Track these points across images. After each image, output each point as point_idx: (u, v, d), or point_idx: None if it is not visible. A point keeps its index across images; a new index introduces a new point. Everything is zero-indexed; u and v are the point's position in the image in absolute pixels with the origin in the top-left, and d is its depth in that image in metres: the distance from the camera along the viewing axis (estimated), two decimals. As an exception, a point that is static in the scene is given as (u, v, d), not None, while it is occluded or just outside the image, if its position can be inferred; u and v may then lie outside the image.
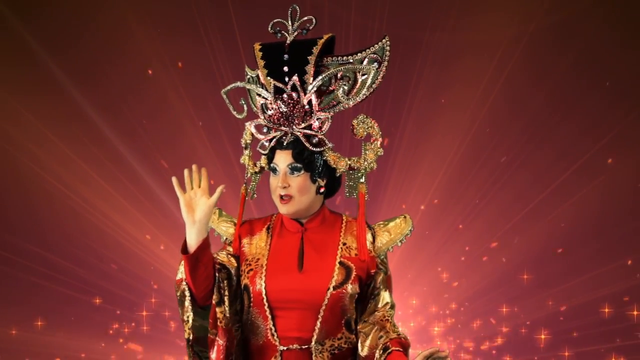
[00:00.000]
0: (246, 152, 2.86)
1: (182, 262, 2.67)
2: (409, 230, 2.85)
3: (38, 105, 5.38)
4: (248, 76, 2.83)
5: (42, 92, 5.39)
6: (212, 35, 5.40)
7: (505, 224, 5.57)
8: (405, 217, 2.88)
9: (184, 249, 2.64)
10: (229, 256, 2.80)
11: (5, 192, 5.44)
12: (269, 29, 2.79)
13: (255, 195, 2.89)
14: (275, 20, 2.79)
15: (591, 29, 5.38)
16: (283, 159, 2.74)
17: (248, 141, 2.84)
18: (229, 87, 2.83)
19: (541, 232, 5.56)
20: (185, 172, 2.66)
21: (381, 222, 2.89)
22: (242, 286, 2.75)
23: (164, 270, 5.56)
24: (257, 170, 2.85)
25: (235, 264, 2.79)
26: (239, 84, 2.80)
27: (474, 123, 5.53)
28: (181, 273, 2.69)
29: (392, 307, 2.85)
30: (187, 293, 2.68)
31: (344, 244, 2.80)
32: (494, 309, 5.64)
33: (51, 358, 5.51)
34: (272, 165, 2.77)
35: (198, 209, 2.63)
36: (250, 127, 2.80)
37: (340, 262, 2.76)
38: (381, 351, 2.70)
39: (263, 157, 2.82)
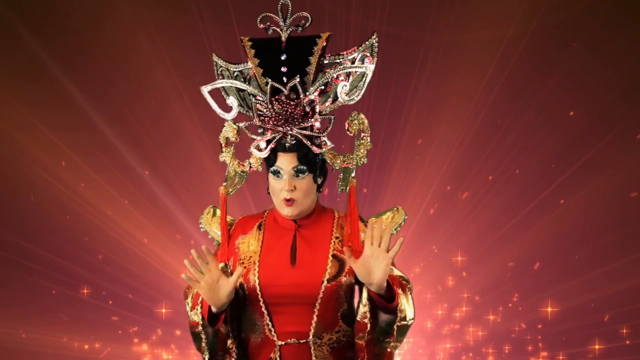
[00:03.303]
0: (228, 149, 2.82)
1: (198, 308, 2.69)
2: (402, 219, 2.85)
3: (25, 93, 5.34)
4: (222, 68, 2.78)
5: (29, 79, 5.36)
6: (205, 14, 5.40)
7: (508, 221, 5.58)
8: (397, 208, 2.88)
9: (211, 316, 2.67)
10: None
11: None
12: (258, 23, 2.73)
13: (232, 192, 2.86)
14: (264, 15, 2.73)
15: (594, 27, 5.38)
16: (287, 161, 2.71)
17: (233, 139, 2.79)
18: (214, 85, 2.78)
19: (546, 230, 5.57)
20: (186, 262, 2.61)
21: (373, 216, 2.88)
22: (239, 285, 2.74)
23: (161, 267, 5.56)
24: (245, 169, 2.82)
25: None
26: (225, 82, 2.75)
27: (474, 122, 5.53)
28: (196, 316, 2.70)
29: (404, 279, 2.81)
30: (203, 336, 2.71)
31: (337, 237, 2.80)
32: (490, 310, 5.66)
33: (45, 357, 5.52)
34: (275, 168, 2.73)
35: (221, 290, 2.62)
36: (232, 125, 2.77)
37: (333, 255, 2.76)
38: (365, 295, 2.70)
39: (256, 156, 2.79)
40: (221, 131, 2.81)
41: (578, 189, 5.49)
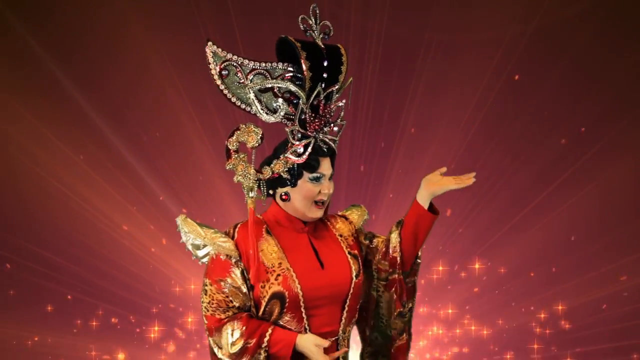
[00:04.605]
0: (238, 157, 2.73)
1: (262, 353, 2.66)
2: (365, 216, 3.02)
3: (37, 105, 5.35)
4: (228, 63, 2.72)
5: (41, 92, 5.36)
6: (212, 34, 5.39)
7: (510, 220, 5.59)
8: (361, 207, 3.05)
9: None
10: (238, 291, 2.73)
11: (3, 191, 5.42)
12: (300, 25, 2.74)
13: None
14: (302, 17, 2.75)
15: (590, 31, 5.38)
16: (327, 166, 2.76)
17: (254, 144, 2.70)
18: (266, 84, 2.71)
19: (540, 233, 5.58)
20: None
21: (340, 212, 3.01)
22: (270, 294, 2.69)
23: (163, 269, 5.56)
24: (266, 177, 2.75)
25: (247, 293, 2.74)
26: (283, 83, 2.70)
27: (474, 122, 5.53)
28: (264, 350, 2.67)
29: None
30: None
31: (340, 235, 2.86)
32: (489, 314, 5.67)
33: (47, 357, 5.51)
34: (317, 174, 2.73)
35: None
36: (254, 129, 2.72)
37: (349, 253, 2.82)
38: (394, 227, 2.84)
39: (281, 162, 2.74)
40: (232, 136, 2.73)
41: (577, 190, 5.51)
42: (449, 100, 5.53)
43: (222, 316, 2.71)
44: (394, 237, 2.81)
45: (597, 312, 5.54)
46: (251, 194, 2.72)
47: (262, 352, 2.66)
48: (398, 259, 2.80)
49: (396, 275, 2.82)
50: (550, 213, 5.55)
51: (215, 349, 2.72)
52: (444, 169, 2.77)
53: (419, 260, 2.87)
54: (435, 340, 5.66)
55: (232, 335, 2.68)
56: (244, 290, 2.71)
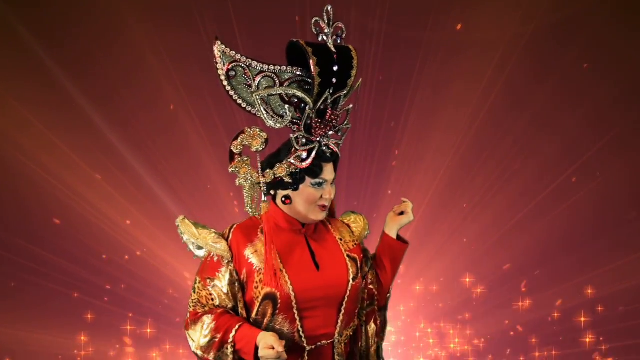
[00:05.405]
0: (241, 160, 2.73)
1: (229, 347, 2.65)
2: (366, 232, 3.03)
3: (25, 93, 5.30)
4: (236, 64, 2.66)
5: (29, 79, 5.31)
6: (209, 25, 5.38)
7: (507, 223, 5.59)
8: (363, 217, 3.05)
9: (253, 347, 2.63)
10: (227, 294, 2.74)
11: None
12: (313, 29, 2.71)
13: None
14: (315, 19, 2.71)
15: (593, 28, 5.38)
16: (330, 171, 2.74)
17: (259, 148, 2.68)
18: (272, 92, 2.66)
19: (541, 232, 5.58)
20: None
21: (340, 217, 3.02)
22: (263, 295, 2.70)
23: (163, 269, 5.57)
24: (267, 180, 2.73)
25: (229, 294, 2.75)
26: (290, 91, 2.66)
27: (474, 122, 5.53)
28: (225, 355, 2.67)
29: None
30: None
31: (341, 239, 2.86)
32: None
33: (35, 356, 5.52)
34: (320, 180, 2.72)
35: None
36: (258, 132, 2.70)
37: (347, 256, 2.82)
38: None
39: (282, 167, 2.72)
40: (236, 139, 2.70)
41: (577, 191, 5.52)
42: (449, 101, 5.53)
43: (200, 311, 2.74)
44: (370, 272, 2.91)
45: (619, 306, 5.55)
46: (263, 198, 2.72)
47: (229, 347, 2.66)
48: (375, 291, 2.90)
49: (374, 307, 2.92)
50: (550, 214, 5.57)
51: (190, 342, 2.74)
52: (407, 201, 2.95)
53: (389, 295, 2.97)
54: (441, 335, 5.68)
55: (203, 329, 2.70)
56: (225, 291, 2.73)
